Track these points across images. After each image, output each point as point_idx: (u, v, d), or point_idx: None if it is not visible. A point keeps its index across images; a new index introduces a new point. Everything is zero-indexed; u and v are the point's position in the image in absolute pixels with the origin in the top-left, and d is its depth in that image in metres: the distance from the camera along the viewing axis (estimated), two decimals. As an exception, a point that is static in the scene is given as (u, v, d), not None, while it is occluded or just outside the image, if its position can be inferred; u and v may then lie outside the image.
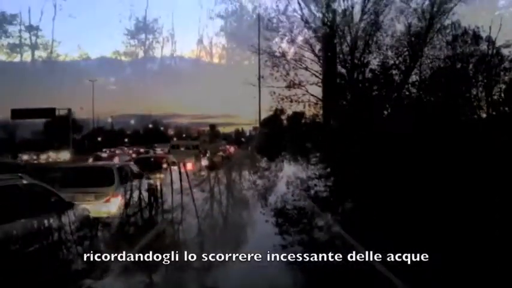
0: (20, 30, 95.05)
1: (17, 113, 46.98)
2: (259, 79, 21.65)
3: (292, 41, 20.47)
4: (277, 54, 20.47)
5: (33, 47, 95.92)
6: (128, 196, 9.58)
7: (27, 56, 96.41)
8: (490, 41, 19.01)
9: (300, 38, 20.42)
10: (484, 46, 19.23)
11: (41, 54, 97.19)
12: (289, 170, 19.14)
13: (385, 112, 20.48)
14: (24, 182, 5.86)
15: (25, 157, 40.38)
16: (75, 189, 8.91)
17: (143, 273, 5.48)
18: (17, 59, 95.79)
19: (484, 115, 19.13)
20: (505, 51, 19.03)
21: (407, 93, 20.35)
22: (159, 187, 11.13)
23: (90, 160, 27.95)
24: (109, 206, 9.11)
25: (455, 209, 8.08)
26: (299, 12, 20.01)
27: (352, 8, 19.97)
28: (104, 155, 34.77)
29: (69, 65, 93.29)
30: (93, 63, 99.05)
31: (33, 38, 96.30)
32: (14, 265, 4.92)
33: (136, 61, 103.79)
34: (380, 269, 5.08)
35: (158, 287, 5.49)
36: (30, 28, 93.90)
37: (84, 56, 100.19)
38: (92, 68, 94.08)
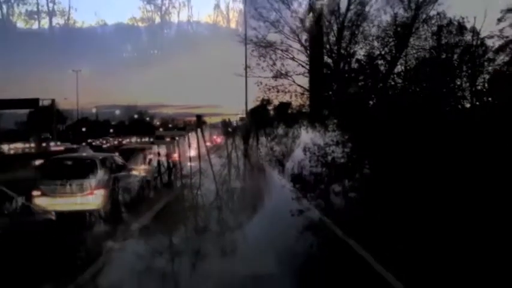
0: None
1: (-1, 104, 45.36)
2: (245, 69, 21.44)
3: (279, 31, 20.28)
4: (264, 44, 20.26)
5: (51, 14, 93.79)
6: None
7: (44, 23, 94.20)
8: (475, 31, 19.19)
9: (286, 28, 20.25)
10: (468, 37, 19.39)
11: (58, 21, 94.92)
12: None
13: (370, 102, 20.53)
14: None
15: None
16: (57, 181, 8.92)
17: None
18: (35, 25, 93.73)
19: (468, 105, 19.44)
20: (489, 42, 19.22)
21: (392, 83, 20.47)
22: None
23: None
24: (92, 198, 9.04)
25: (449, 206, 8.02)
26: (286, 2, 19.81)
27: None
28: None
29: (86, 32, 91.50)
30: (110, 29, 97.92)
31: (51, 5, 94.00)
32: None
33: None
34: (378, 269, 5.10)
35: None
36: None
37: (101, 22, 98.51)
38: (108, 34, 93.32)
